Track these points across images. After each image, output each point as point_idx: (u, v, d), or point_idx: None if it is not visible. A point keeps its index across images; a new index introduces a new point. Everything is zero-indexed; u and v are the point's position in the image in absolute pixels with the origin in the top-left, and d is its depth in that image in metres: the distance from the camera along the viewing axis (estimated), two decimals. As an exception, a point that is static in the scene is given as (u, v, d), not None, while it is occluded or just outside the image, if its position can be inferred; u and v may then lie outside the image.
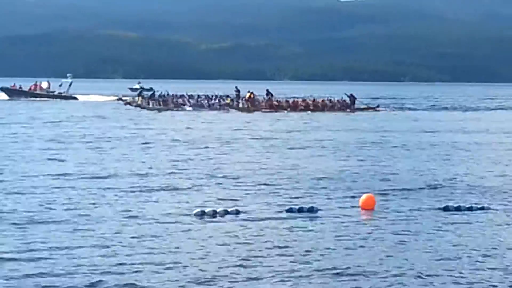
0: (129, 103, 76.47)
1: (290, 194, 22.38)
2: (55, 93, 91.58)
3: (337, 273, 13.52)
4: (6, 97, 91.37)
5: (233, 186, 23.71)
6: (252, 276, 13.29)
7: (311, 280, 13.13)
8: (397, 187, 23.75)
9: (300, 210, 19.49)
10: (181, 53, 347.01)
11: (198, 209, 18.92)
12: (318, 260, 14.42)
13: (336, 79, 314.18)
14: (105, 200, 20.57)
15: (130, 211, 19.03)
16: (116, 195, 21.43)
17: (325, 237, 16.53)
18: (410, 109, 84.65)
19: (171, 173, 26.41)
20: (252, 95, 73.42)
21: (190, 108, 71.53)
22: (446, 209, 20.04)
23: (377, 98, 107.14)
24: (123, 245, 15.27)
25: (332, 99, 75.80)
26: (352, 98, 74.62)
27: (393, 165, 29.90)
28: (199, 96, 78.39)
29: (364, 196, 20.52)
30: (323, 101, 74.47)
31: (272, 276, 13.28)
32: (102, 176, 25.24)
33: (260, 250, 15.16)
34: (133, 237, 16.00)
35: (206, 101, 74.72)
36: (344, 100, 74.60)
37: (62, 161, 29.67)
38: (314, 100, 74.55)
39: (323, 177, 26.00)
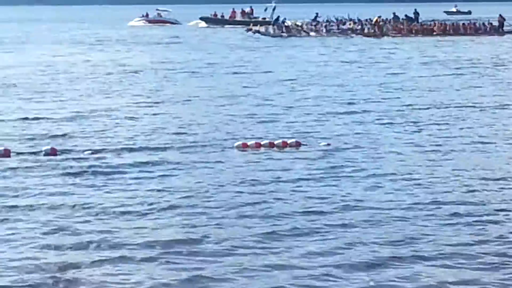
0: (250, 29, 69.94)
1: None
2: (259, 19, 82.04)
3: None
4: (205, 25, 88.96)
5: None
6: None
7: None
8: None
9: None
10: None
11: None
12: None
13: None
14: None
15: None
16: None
17: None
18: None
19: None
20: (378, 19, 66.99)
21: (314, 34, 65.74)
22: None
23: None
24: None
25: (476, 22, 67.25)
26: (502, 19, 66.17)
27: None
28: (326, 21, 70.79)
29: None
30: (464, 24, 66.18)
31: None
32: None
33: None
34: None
35: (335, 26, 67.50)
36: (490, 23, 66.24)
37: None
38: (453, 24, 66.81)
39: None
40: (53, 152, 17.00)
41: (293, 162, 16.06)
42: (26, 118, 21.74)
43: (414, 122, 21.02)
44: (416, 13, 72.99)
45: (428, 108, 23.74)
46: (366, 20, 69.43)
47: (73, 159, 16.33)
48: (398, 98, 26.37)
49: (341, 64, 40.32)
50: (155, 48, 54.71)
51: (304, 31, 67.88)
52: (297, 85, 30.53)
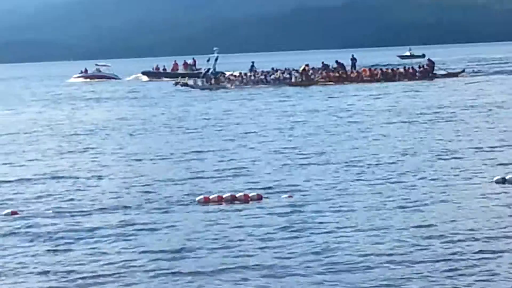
0: (178, 83, 69.80)
1: None
2: (201, 71, 78.86)
3: None
4: (146, 79, 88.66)
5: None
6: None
7: None
8: None
9: None
10: (473, 15, 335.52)
11: (499, 176, 18.46)
12: None
13: None
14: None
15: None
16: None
17: None
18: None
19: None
20: (307, 67, 68.16)
21: (243, 85, 66.24)
22: None
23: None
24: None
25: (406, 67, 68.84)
26: (431, 63, 68.05)
27: None
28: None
29: None
30: (394, 70, 68.08)
31: None
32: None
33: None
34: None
35: (263, 76, 68.16)
36: (422, 66, 68.01)
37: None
38: (382, 70, 68.59)
39: None
40: (14, 214, 16.95)
41: (255, 217, 16.14)
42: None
43: (374, 172, 21.23)
44: (354, 59, 74.19)
45: (390, 157, 23.88)
46: (294, 69, 69.85)
47: (35, 222, 16.24)
48: (352, 148, 26.56)
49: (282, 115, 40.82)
50: (107, 104, 54.83)
51: (232, 80, 68.29)
52: (255, 137, 30.81)
